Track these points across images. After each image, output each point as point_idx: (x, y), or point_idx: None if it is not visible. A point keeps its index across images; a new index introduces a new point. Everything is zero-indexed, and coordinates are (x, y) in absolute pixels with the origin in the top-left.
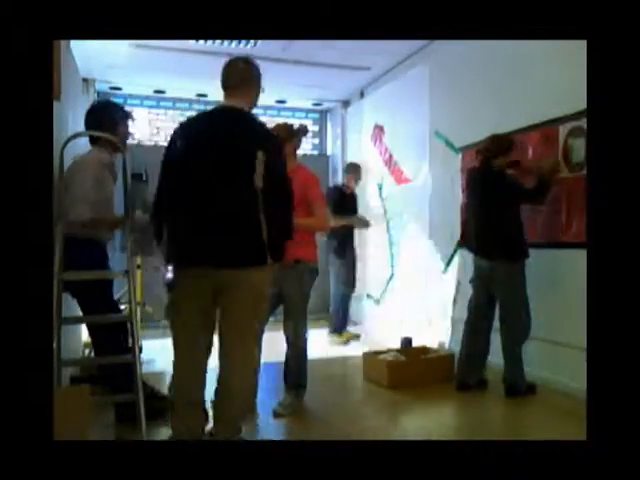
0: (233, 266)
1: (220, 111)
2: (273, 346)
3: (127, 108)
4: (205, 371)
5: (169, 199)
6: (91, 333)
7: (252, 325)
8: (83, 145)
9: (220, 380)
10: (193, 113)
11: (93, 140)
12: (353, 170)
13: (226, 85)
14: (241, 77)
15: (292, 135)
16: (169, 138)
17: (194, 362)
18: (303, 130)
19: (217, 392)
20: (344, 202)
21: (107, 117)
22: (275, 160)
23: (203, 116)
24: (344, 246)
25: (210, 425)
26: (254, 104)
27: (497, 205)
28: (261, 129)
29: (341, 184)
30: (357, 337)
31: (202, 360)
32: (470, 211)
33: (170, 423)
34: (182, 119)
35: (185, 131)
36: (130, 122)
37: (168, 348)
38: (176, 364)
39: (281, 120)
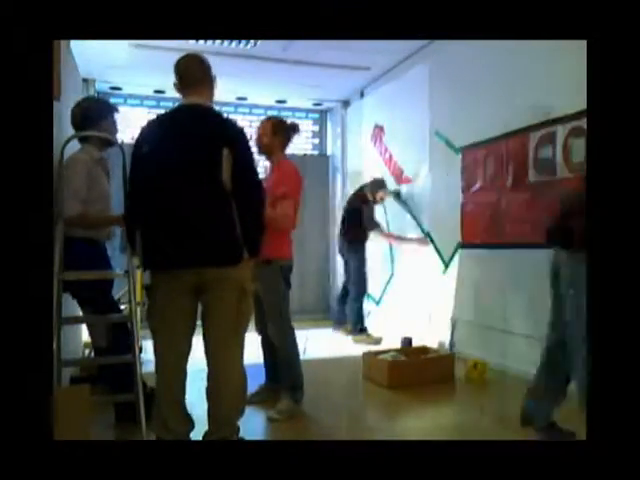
0: (209, 265)
1: (184, 109)
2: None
3: (122, 108)
4: (186, 373)
5: (139, 203)
6: (91, 333)
7: (237, 322)
8: (76, 144)
9: (210, 381)
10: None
11: (82, 138)
12: (382, 185)
13: (186, 83)
14: (200, 74)
15: (279, 129)
16: (135, 140)
17: (175, 364)
18: (293, 127)
19: (209, 393)
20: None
21: (90, 113)
22: (242, 155)
23: (167, 115)
24: (356, 247)
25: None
26: (212, 99)
27: None
28: (226, 124)
29: (371, 199)
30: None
31: (183, 362)
32: None
33: (152, 424)
34: (147, 119)
35: (150, 132)
36: (115, 115)
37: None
38: (158, 367)
39: None
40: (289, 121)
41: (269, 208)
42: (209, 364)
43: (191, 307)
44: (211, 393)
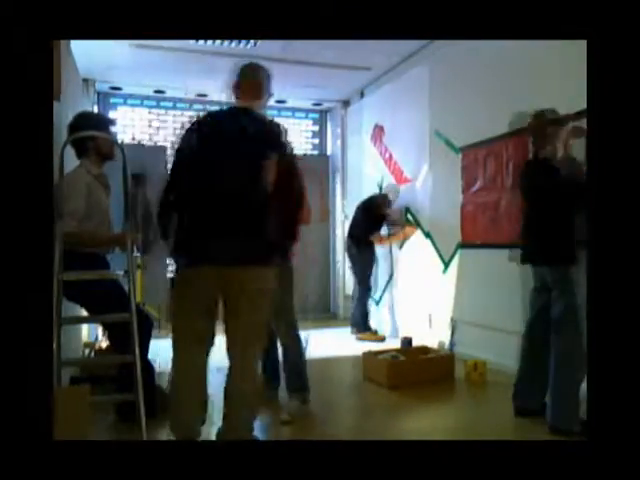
0: (243, 264)
1: (236, 112)
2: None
3: (122, 108)
4: (206, 371)
5: (183, 197)
6: (107, 329)
7: (261, 323)
8: (74, 161)
9: (232, 380)
10: (193, 113)
11: (79, 153)
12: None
13: (245, 87)
14: (260, 81)
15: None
16: (183, 135)
17: (199, 364)
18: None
19: (229, 392)
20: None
21: (86, 128)
22: (286, 163)
23: (219, 115)
24: (362, 247)
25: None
26: (265, 107)
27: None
28: (275, 130)
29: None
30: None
31: (205, 359)
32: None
33: (172, 424)
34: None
35: (201, 129)
36: (110, 129)
37: (168, 348)
38: (177, 365)
39: (281, 120)
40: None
41: None
42: (232, 363)
43: (215, 306)
44: (232, 392)
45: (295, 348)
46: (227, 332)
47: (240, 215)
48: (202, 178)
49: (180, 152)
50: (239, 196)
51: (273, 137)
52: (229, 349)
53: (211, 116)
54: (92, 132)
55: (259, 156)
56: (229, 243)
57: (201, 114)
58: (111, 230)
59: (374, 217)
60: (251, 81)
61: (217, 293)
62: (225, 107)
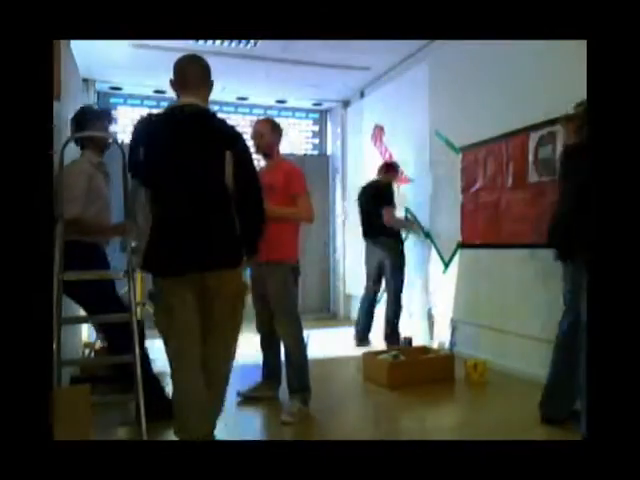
0: (216, 268)
1: (183, 110)
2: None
3: (122, 108)
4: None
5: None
6: (103, 331)
7: (236, 322)
8: (76, 152)
9: (208, 376)
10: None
11: (81, 146)
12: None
13: (188, 83)
14: (203, 76)
15: (276, 128)
16: (130, 142)
17: (193, 366)
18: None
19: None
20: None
21: (82, 121)
22: (243, 156)
23: (164, 116)
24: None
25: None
26: (207, 102)
27: None
28: (226, 128)
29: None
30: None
31: (199, 362)
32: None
33: (177, 428)
34: (139, 118)
35: (149, 134)
36: (107, 121)
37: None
38: (175, 370)
39: (281, 120)
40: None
41: (284, 206)
42: (210, 363)
43: (197, 307)
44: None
45: (298, 349)
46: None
47: (203, 220)
48: (159, 187)
49: (132, 161)
50: (199, 200)
51: (224, 134)
52: (206, 349)
53: (160, 118)
54: (91, 132)
55: (214, 155)
56: (201, 250)
57: (144, 116)
58: (111, 218)
59: (379, 192)
60: (198, 78)
61: (196, 300)
62: (167, 106)
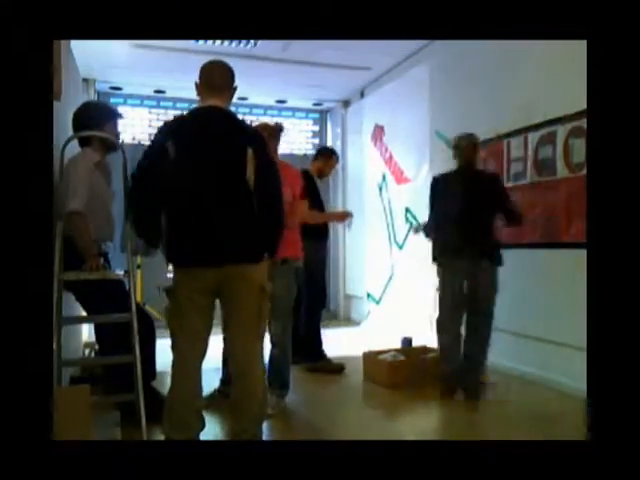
0: (234, 263)
1: (209, 112)
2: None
3: (122, 108)
4: (201, 373)
5: (167, 203)
6: (96, 331)
7: (259, 320)
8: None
9: (240, 381)
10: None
11: (83, 142)
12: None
13: (213, 86)
14: (227, 79)
15: (274, 133)
16: (153, 140)
17: (193, 364)
18: (280, 128)
19: (238, 392)
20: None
21: (93, 118)
22: (264, 156)
23: (192, 117)
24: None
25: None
26: (230, 105)
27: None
28: (248, 128)
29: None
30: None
31: (200, 362)
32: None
33: (165, 424)
34: (166, 120)
35: (175, 133)
36: (118, 121)
37: (168, 348)
38: (176, 366)
39: (281, 120)
40: (273, 124)
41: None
42: (235, 364)
43: (210, 307)
44: (241, 392)
45: (284, 346)
46: (225, 332)
47: (225, 216)
48: (185, 182)
49: (152, 157)
50: (222, 197)
51: (247, 135)
52: (229, 349)
53: (186, 119)
54: (91, 132)
55: (237, 155)
56: (221, 244)
57: (169, 118)
58: (112, 219)
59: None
60: (223, 82)
61: (212, 295)
62: (193, 108)
